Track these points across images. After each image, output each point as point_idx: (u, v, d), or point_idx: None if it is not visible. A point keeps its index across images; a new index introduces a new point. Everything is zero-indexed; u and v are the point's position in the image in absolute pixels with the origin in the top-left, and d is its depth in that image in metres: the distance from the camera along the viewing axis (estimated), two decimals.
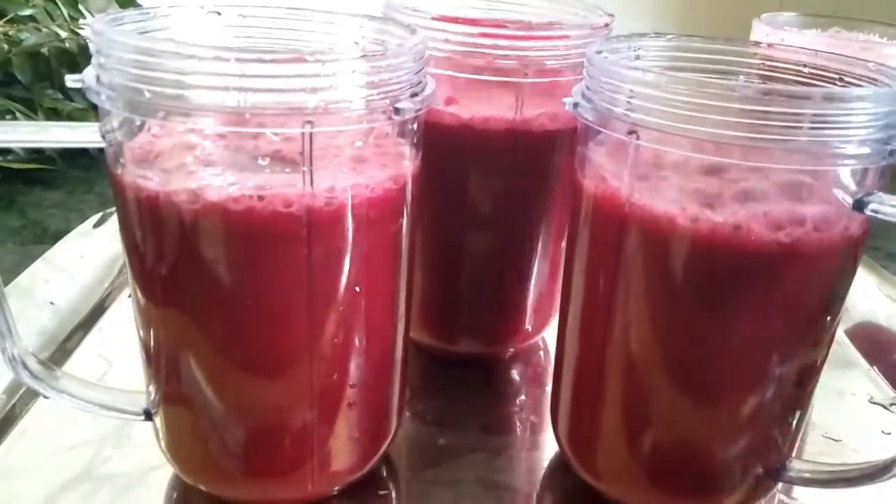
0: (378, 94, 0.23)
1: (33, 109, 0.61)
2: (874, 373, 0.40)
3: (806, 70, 0.29)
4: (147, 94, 0.21)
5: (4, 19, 0.64)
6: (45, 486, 0.29)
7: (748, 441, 0.27)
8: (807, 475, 0.27)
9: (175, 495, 0.29)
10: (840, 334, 0.42)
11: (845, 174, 0.24)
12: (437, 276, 0.37)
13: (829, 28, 0.41)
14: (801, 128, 0.22)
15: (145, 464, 0.30)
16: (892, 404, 0.37)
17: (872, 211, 0.24)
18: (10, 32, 0.62)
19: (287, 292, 0.24)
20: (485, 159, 0.34)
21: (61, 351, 0.37)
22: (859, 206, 0.24)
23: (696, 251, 0.24)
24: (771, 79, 0.30)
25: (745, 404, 0.26)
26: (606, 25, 0.33)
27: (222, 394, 0.26)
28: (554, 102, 0.31)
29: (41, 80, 0.62)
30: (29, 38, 0.61)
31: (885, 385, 0.39)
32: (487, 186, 0.34)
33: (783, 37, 0.37)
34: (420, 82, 0.25)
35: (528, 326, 0.39)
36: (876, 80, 0.27)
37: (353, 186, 0.24)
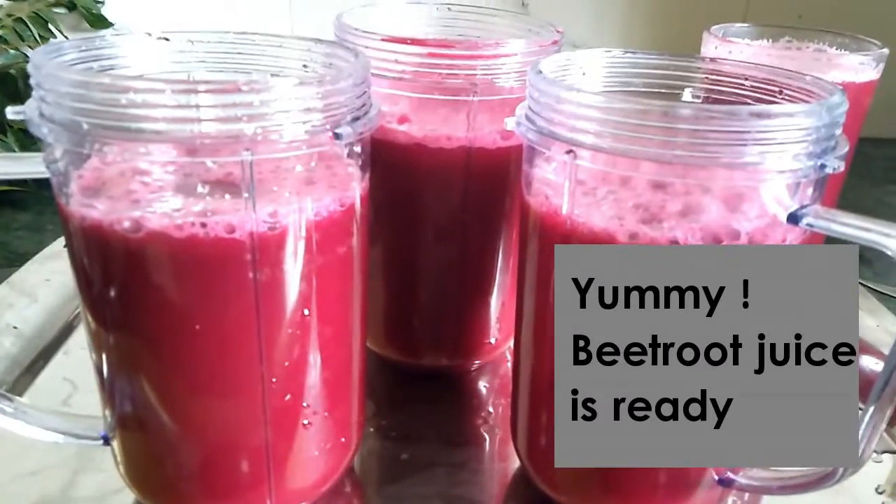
0: (317, 120, 0.23)
1: (3, 130, 0.61)
2: None
3: (748, 83, 0.30)
4: (85, 126, 0.21)
5: None
6: None
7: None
8: (757, 483, 0.28)
9: None
10: None
11: (779, 188, 0.25)
12: (398, 292, 0.37)
13: (780, 38, 0.41)
14: (731, 144, 0.23)
15: (107, 488, 0.31)
16: None
17: (807, 224, 0.24)
18: None
19: (236, 316, 0.25)
20: (439, 176, 0.34)
21: (26, 376, 0.37)
22: (794, 219, 0.24)
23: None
24: (714, 92, 0.31)
25: None
26: (555, 42, 0.33)
27: (176, 417, 0.26)
28: (504, 119, 0.32)
29: (11, 100, 0.62)
30: None
31: None
32: (444, 202, 0.35)
33: (731, 49, 0.38)
34: (363, 105, 0.26)
35: (492, 339, 0.39)
36: (812, 92, 0.27)
37: (296, 210, 0.24)
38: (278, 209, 0.24)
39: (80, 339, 0.40)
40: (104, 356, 0.26)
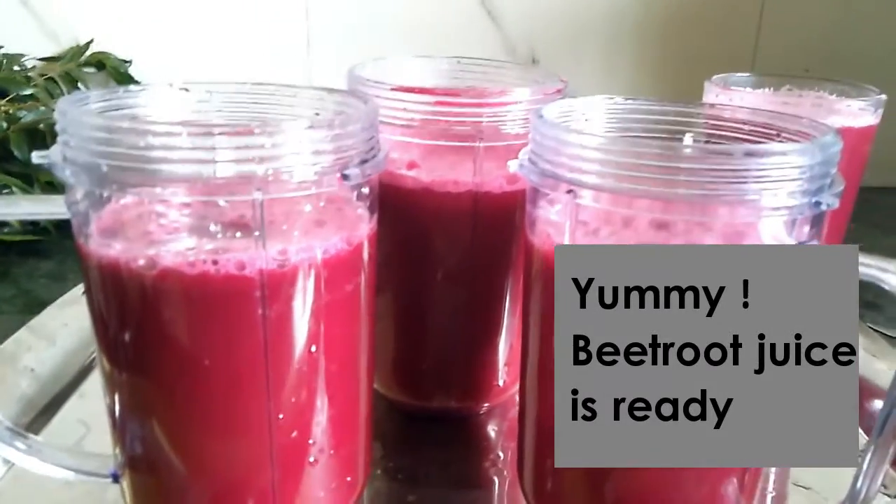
0: (326, 162, 0.24)
1: (30, 183, 0.64)
2: None
3: (746, 128, 0.31)
4: (105, 168, 0.23)
5: (6, 99, 0.67)
6: None
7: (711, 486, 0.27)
8: None
9: None
10: None
11: (776, 226, 0.25)
12: (407, 334, 0.38)
13: (781, 87, 0.42)
14: (727, 182, 0.23)
15: None
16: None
17: None
18: (10, 111, 0.65)
19: (245, 352, 0.25)
20: (447, 220, 0.35)
21: (41, 417, 0.38)
22: None
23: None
24: (714, 137, 0.31)
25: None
26: (559, 91, 0.35)
27: (183, 453, 0.26)
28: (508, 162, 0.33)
29: None
30: (27, 115, 0.64)
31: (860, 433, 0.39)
32: (451, 246, 0.36)
33: (732, 97, 0.39)
34: (371, 149, 0.27)
35: (500, 382, 0.39)
36: (808, 134, 0.28)
37: (304, 248, 0.25)
38: (288, 247, 0.25)
39: (95, 383, 0.41)
40: (116, 392, 0.27)
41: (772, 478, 0.36)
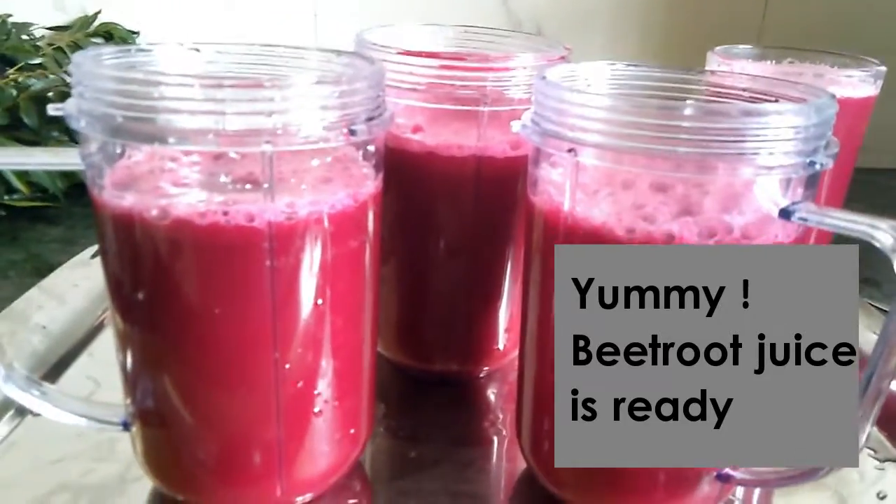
0: (333, 117, 0.25)
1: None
2: None
3: (746, 94, 0.31)
4: (119, 119, 0.23)
5: (15, 67, 0.68)
6: (26, 497, 0.30)
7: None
8: (754, 477, 0.28)
9: None
10: None
11: (772, 185, 0.26)
12: (409, 297, 0.39)
13: (783, 60, 0.43)
14: (723, 140, 0.24)
15: (127, 475, 0.32)
16: None
17: (799, 218, 0.25)
18: (19, 79, 0.66)
19: (253, 302, 0.26)
20: (451, 184, 0.35)
21: (51, 373, 0.39)
22: (786, 214, 0.25)
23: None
24: (714, 102, 0.32)
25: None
26: (562, 57, 0.35)
27: (191, 401, 0.27)
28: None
29: (47, 123, 0.65)
30: (36, 83, 0.65)
31: None
32: (455, 210, 0.36)
33: (733, 67, 0.39)
34: (378, 107, 0.27)
35: (501, 346, 0.40)
36: (807, 99, 0.29)
37: (312, 202, 0.26)
38: (296, 201, 0.25)
39: (105, 342, 0.42)
40: (127, 342, 0.28)
41: None
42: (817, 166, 0.25)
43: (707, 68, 0.41)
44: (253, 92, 0.23)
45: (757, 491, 0.34)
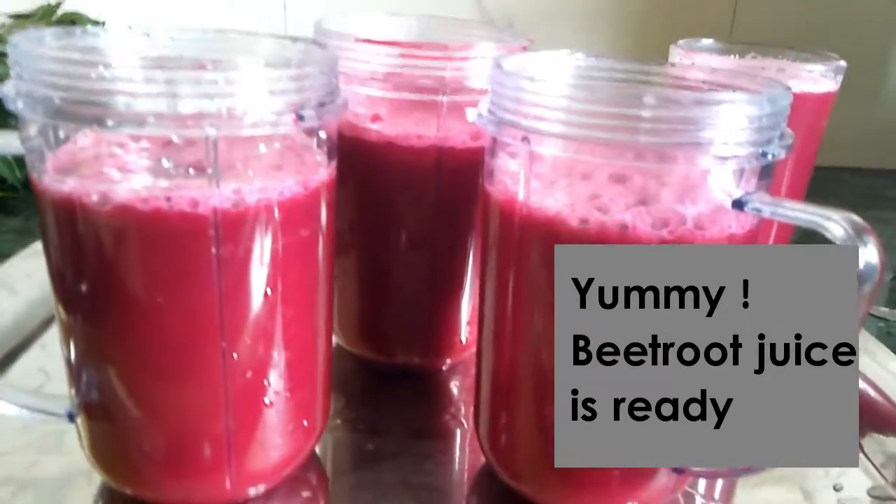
0: (282, 101, 0.24)
1: None
2: None
3: (705, 87, 0.31)
4: (57, 101, 0.22)
5: None
6: None
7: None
8: (707, 469, 0.28)
9: (100, 498, 0.30)
10: None
11: (725, 176, 0.26)
12: (370, 290, 0.38)
13: (746, 54, 0.43)
14: (675, 130, 0.24)
15: (73, 468, 0.31)
16: None
17: (752, 209, 0.25)
18: None
19: (198, 291, 0.25)
20: (411, 175, 0.35)
21: (1, 364, 0.38)
22: (739, 205, 0.25)
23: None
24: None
25: None
26: (523, 48, 0.35)
27: (136, 392, 0.27)
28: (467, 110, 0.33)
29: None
30: None
31: None
32: (414, 202, 0.36)
33: (695, 60, 0.39)
34: (329, 93, 0.27)
35: (463, 339, 0.40)
36: (761, 90, 0.28)
37: (259, 189, 0.25)
38: (242, 187, 0.25)
39: (57, 334, 0.40)
40: (70, 332, 0.27)
41: None
42: (770, 156, 0.24)
43: (669, 61, 0.41)
44: (196, 74, 0.23)
45: (719, 485, 0.34)
